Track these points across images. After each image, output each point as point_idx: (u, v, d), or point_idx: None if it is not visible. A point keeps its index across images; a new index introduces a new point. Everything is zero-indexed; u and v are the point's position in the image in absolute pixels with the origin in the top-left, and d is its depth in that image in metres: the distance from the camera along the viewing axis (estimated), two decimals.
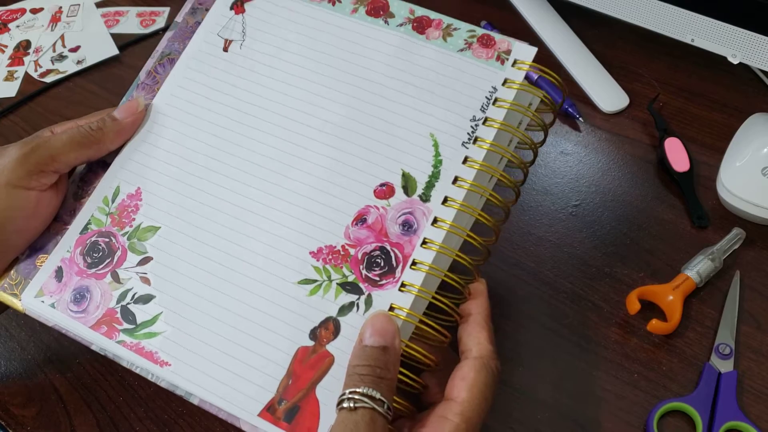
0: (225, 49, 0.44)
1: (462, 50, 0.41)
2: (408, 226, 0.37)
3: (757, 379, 0.44)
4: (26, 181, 0.39)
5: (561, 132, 0.60)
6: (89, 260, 0.40)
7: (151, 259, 0.39)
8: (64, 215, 0.42)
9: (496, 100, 0.39)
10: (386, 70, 0.41)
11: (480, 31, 0.41)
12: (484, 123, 0.38)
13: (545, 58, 0.65)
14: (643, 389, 0.44)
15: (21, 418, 0.45)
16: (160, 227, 0.40)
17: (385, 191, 0.38)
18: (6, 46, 0.72)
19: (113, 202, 0.41)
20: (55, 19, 0.75)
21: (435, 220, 0.37)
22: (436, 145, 0.39)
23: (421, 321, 0.36)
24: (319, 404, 0.35)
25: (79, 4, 0.77)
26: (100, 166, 0.42)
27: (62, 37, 0.73)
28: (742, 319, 0.46)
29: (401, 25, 0.42)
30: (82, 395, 0.45)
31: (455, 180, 0.38)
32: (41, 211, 0.40)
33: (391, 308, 0.36)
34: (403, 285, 0.36)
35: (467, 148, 0.38)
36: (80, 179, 0.43)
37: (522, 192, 0.53)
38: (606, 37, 0.66)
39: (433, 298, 0.37)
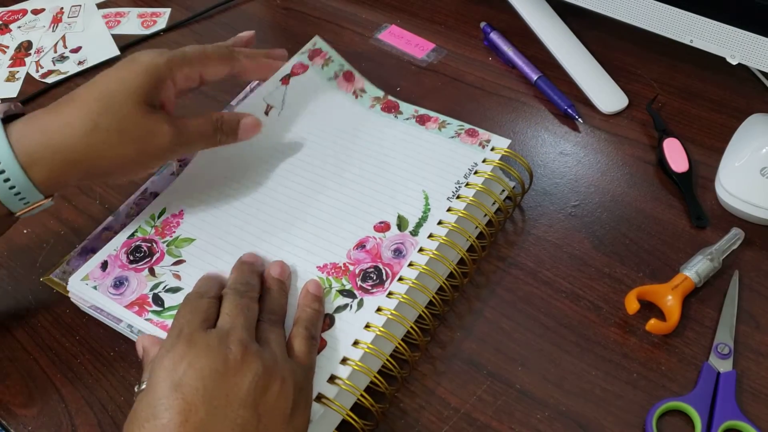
0: (266, 113, 0.55)
1: (452, 137, 0.53)
2: (399, 252, 0.47)
3: (756, 378, 0.44)
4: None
5: (560, 133, 0.60)
6: (131, 258, 0.48)
7: (184, 261, 0.48)
8: (116, 227, 0.51)
9: (476, 171, 0.50)
10: (393, 146, 0.53)
11: (467, 126, 0.53)
12: (466, 186, 0.50)
13: (545, 59, 0.65)
14: (642, 389, 0.44)
15: (22, 418, 0.45)
16: (195, 239, 0.49)
17: (382, 227, 0.48)
18: (7, 47, 0.73)
19: (159, 218, 0.50)
20: (56, 20, 0.75)
21: (421, 249, 0.46)
22: (426, 198, 0.49)
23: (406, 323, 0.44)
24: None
25: (80, 5, 0.77)
26: (153, 196, 0.52)
27: (63, 38, 0.73)
28: (740, 319, 0.47)
29: (407, 119, 0.55)
30: (83, 395, 0.45)
31: (440, 222, 0.48)
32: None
33: (379, 309, 0.44)
34: (390, 293, 0.44)
35: (451, 201, 0.49)
36: (134, 203, 0.52)
37: (518, 200, 0.54)
38: (605, 38, 0.67)
39: (417, 308, 0.45)
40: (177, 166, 0.54)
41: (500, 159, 0.51)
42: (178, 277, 0.47)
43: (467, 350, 0.46)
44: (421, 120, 0.55)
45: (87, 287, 0.46)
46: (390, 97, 0.57)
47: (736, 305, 0.47)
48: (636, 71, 0.64)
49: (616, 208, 0.54)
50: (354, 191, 0.51)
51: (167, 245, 0.48)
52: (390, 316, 0.43)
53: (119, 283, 0.46)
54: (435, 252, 0.46)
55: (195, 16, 0.74)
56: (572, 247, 0.51)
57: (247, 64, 0.50)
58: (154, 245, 0.49)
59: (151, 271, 0.47)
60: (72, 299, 0.48)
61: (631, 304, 0.46)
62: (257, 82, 0.59)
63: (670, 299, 0.46)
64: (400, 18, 0.72)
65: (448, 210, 0.48)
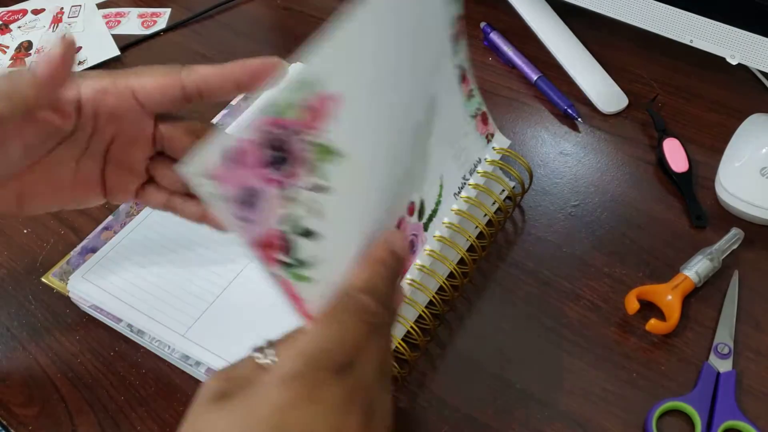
0: None
1: (473, 117, 0.48)
2: (412, 246, 0.44)
3: (756, 378, 0.44)
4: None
5: (560, 133, 0.60)
6: (270, 157, 0.31)
7: (332, 190, 0.30)
8: (116, 226, 0.50)
9: (479, 171, 0.49)
10: (441, 96, 0.40)
11: (484, 107, 0.49)
12: (468, 184, 0.49)
13: (545, 59, 0.65)
14: (642, 388, 0.44)
15: (22, 418, 0.45)
16: (349, 155, 0.29)
17: (411, 208, 0.41)
18: (7, 47, 0.73)
19: (316, 88, 0.29)
20: (56, 20, 0.75)
21: (425, 249, 0.45)
22: (441, 188, 0.45)
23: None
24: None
25: (80, 5, 0.77)
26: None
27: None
28: (740, 319, 0.47)
29: (457, 65, 0.42)
30: (84, 395, 0.45)
31: (443, 222, 0.47)
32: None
33: None
34: None
35: (456, 199, 0.48)
36: (135, 202, 0.50)
37: (518, 200, 0.53)
38: (605, 38, 0.67)
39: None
40: None
41: (500, 159, 0.51)
42: (320, 214, 0.28)
43: (467, 350, 0.46)
44: (463, 76, 0.44)
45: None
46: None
47: (735, 305, 0.47)
48: (636, 71, 0.64)
49: (616, 208, 0.54)
50: (404, 158, 0.36)
51: (315, 152, 0.28)
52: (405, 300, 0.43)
53: (249, 200, 0.26)
54: (437, 252, 0.46)
55: (195, 16, 0.74)
56: (572, 247, 0.51)
57: (205, 76, 0.37)
58: (300, 144, 0.27)
59: (285, 193, 0.27)
60: (72, 299, 0.48)
61: (631, 304, 0.46)
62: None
63: (670, 299, 0.46)
64: None
65: (452, 209, 0.48)
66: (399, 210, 0.37)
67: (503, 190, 0.52)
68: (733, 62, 0.55)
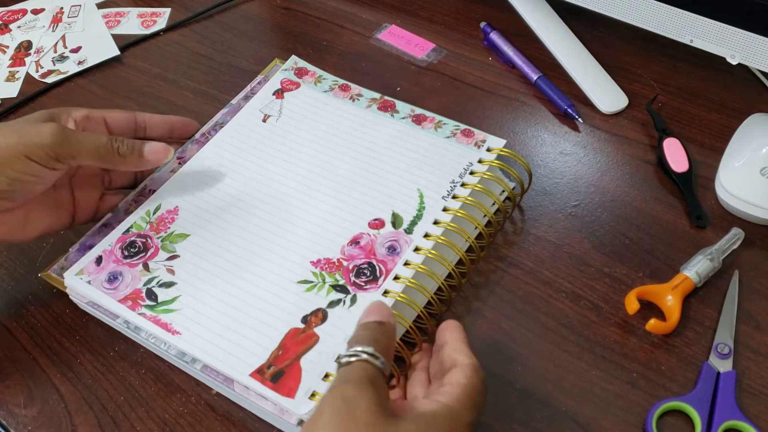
0: (264, 121, 0.56)
1: (448, 137, 0.53)
2: (393, 249, 0.47)
3: (756, 378, 0.44)
4: (44, 161, 0.44)
5: (560, 132, 0.60)
6: (126, 253, 0.48)
7: (179, 256, 0.48)
8: (114, 223, 0.51)
9: (472, 171, 0.50)
10: (387, 144, 0.53)
11: (462, 126, 0.53)
12: (461, 185, 0.50)
13: (545, 59, 0.65)
14: (642, 389, 0.44)
15: (22, 418, 0.45)
16: (189, 235, 0.49)
17: (377, 224, 0.48)
18: (7, 47, 0.73)
19: (154, 214, 0.50)
20: (56, 20, 0.75)
21: (417, 248, 0.46)
22: (421, 197, 0.49)
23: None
24: (301, 371, 0.42)
25: (80, 5, 0.77)
26: (151, 193, 0.52)
27: (63, 38, 0.73)
28: (740, 319, 0.47)
29: (403, 118, 0.55)
30: (83, 395, 0.45)
31: (435, 221, 0.48)
32: (46, 180, 0.46)
33: None
34: (386, 291, 0.45)
35: (446, 201, 0.49)
36: (133, 200, 0.52)
37: (517, 200, 0.53)
38: (605, 38, 0.67)
39: (415, 307, 0.44)
40: (177, 163, 0.54)
41: (499, 159, 0.51)
42: (171, 271, 0.47)
43: None
44: (417, 119, 0.55)
45: (82, 282, 0.47)
46: (386, 97, 0.57)
47: (736, 305, 0.47)
48: (636, 71, 0.64)
49: (616, 208, 0.54)
50: (348, 188, 0.51)
51: (162, 240, 0.49)
52: None
53: (113, 278, 0.47)
54: (431, 251, 0.46)
55: (195, 16, 0.74)
56: (572, 247, 0.51)
57: (151, 116, 0.53)
58: (149, 240, 0.49)
59: (145, 266, 0.47)
60: (70, 296, 0.48)
61: (631, 304, 0.46)
62: (258, 81, 0.60)
63: (670, 299, 0.46)
64: (400, 18, 0.72)
65: (444, 209, 0.48)
66: (339, 234, 0.48)
67: (502, 191, 0.52)
68: (734, 62, 0.55)
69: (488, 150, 0.52)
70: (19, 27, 0.75)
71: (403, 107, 0.56)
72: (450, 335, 0.40)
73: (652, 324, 0.45)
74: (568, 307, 0.48)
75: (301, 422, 0.41)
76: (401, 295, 0.44)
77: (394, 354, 0.43)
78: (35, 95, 0.67)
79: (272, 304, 0.45)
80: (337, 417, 0.33)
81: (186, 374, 0.46)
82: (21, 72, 0.69)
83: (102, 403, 0.45)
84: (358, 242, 0.47)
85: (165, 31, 0.73)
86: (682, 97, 0.62)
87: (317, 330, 0.43)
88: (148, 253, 0.48)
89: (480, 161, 0.51)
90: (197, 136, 0.56)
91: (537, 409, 0.43)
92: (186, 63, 0.69)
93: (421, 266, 0.45)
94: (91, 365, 0.47)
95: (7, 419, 0.45)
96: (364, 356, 0.35)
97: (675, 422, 0.42)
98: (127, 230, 0.49)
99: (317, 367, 0.42)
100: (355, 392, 0.34)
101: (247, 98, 0.59)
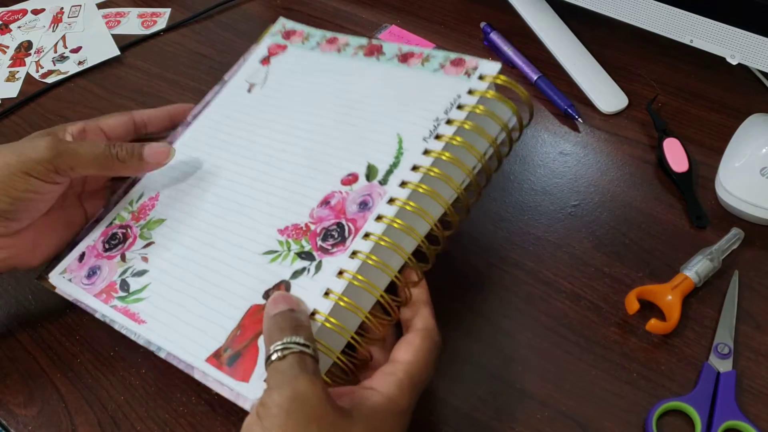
0: (249, 91, 0.52)
1: (436, 70, 0.45)
2: (364, 205, 0.41)
3: (756, 378, 0.44)
4: (43, 176, 0.44)
5: (560, 132, 0.60)
6: (107, 246, 0.47)
7: (153, 243, 0.46)
8: (103, 217, 0.49)
9: (460, 105, 0.42)
10: (368, 91, 0.47)
11: (453, 55, 0.45)
12: (447, 123, 0.42)
13: (545, 59, 0.65)
14: (642, 388, 0.44)
15: (22, 418, 0.45)
16: (165, 219, 0.47)
17: (350, 179, 0.43)
18: (7, 47, 0.73)
19: (137, 202, 0.49)
20: (56, 20, 0.75)
21: (391, 199, 0.40)
22: (400, 142, 0.42)
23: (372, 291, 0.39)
24: (258, 352, 0.38)
25: (80, 5, 0.77)
26: (137, 180, 0.51)
27: (63, 38, 0.73)
28: (740, 319, 0.47)
29: (390, 59, 0.48)
30: (84, 395, 0.45)
31: (414, 168, 0.41)
32: (48, 197, 0.46)
33: (340, 272, 0.39)
34: (353, 252, 0.39)
35: (427, 143, 0.41)
36: (123, 192, 0.51)
37: (521, 192, 0.53)
38: (605, 38, 0.67)
39: (386, 270, 0.39)
40: None
41: (491, 89, 0.42)
42: (145, 259, 0.45)
43: (467, 350, 0.46)
44: (404, 58, 0.47)
45: (64, 280, 0.46)
46: (374, 41, 0.50)
47: (735, 305, 0.47)
48: (636, 71, 0.64)
49: (616, 208, 0.54)
50: (323, 145, 0.45)
51: (140, 229, 0.47)
52: (354, 281, 0.38)
53: (92, 273, 0.46)
54: (407, 202, 0.39)
55: (195, 16, 0.74)
56: (572, 247, 0.51)
57: (149, 112, 0.53)
58: (129, 230, 0.47)
59: (123, 257, 0.46)
60: (61, 295, 0.48)
61: (631, 304, 0.46)
62: (250, 51, 0.56)
63: (670, 299, 0.46)
64: (400, 18, 0.72)
65: (425, 152, 0.41)
66: (309, 194, 0.43)
67: (500, 130, 0.43)
68: (733, 62, 0.55)
69: (480, 78, 0.43)
70: (19, 27, 0.75)
71: (390, 48, 0.49)
72: (416, 291, 0.40)
73: (652, 324, 0.45)
74: (568, 307, 0.48)
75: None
76: (371, 256, 0.38)
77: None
78: (35, 95, 0.67)
79: (235, 281, 0.42)
80: (293, 418, 0.32)
81: (186, 374, 0.46)
82: (21, 72, 0.69)
83: (102, 402, 0.45)
84: (329, 202, 0.42)
85: (165, 31, 0.73)
86: (682, 97, 0.62)
87: None
88: (126, 244, 0.47)
89: (470, 92, 0.42)
90: (188, 118, 0.54)
91: (537, 409, 0.43)
92: (186, 63, 0.69)
93: (396, 219, 0.39)
94: (91, 365, 0.47)
95: (7, 419, 0.45)
96: (297, 348, 0.34)
97: (675, 422, 0.42)
98: (111, 223, 0.48)
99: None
100: (306, 388, 0.33)
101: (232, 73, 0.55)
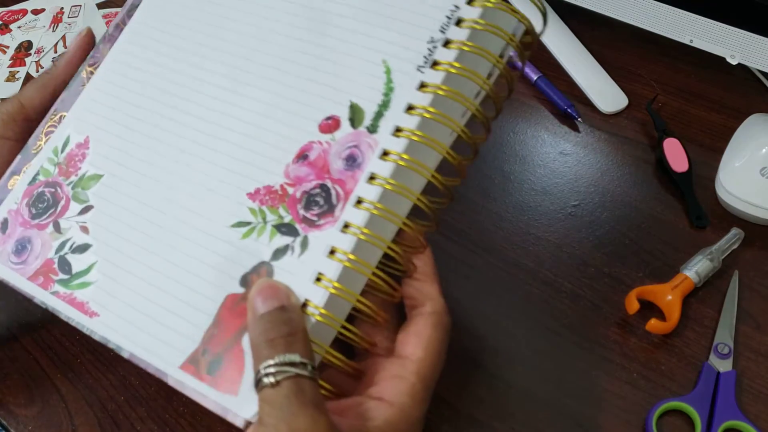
0: None
1: None
2: (352, 160, 0.33)
3: (756, 378, 0.44)
4: (1, 131, 0.40)
5: (560, 132, 0.60)
6: (34, 211, 0.39)
7: (92, 207, 0.38)
8: (22, 170, 0.41)
9: (459, 20, 0.33)
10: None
11: None
12: (444, 45, 0.33)
13: (545, 59, 0.65)
14: (642, 389, 0.44)
15: (22, 418, 0.45)
16: (102, 175, 0.38)
17: (330, 125, 0.34)
18: (7, 47, 0.73)
19: (62, 152, 0.39)
20: (56, 20, 0.75)
21: (384, 153, 0.33)
22: (388, 72, 0.34)
23: (369, 271, 0.33)
24: (243, 355, 0.32)
25: (80, 5, 0.77)
26: (61, 120, 0.41)
27: (64, 38, 0.73)
28: (740, 319, 0.47)
29: None
30: (84, 394, 0.45)
31: (409, 108, 0.33)
32: (10, 158, 0.41)
33: (332, 251, 0.32)
34: (345, 225, 0.32)
35: (423, 73, 0.33)
36: (43, 133, 0.41)
37: (521, 192, 0.53)
38: (605, 38, 0.67)
39: (382, 245, 0.33)
40: (88, 73, 0.42)
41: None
42: (85, 230, 0.37)
43: (467, 350, 0.46)
44: None
45: None
46: None
47: (735, 305, 0.47)
48: (636, 71, 0.64)
49: (616, 208, 0.54)
50: (289, 75, 0.36)
51: (73, 188, 0.38)
52: (348, 264, 0.32)
53: (21, 248, 0.38)
54: (404, 157, 0.32)
55: None
56: (572, 247, 0.51)
57: (58, 62, 0.44)
58: (59, 190, 0.38)
59: (56, 226, 0.37)
60: None
61: (631, 304, 0.46)
62: None
63: (670, 299, 0.46)
64: None
65: (421, 87, 0.33)
66: (278, 147, 0.35)
67: (505, 45, 0.35)
68: (733, 62, 0.55)
69: None
70: (19, 27, 0.75)
71: None
72: (419, 260, 0.34)
73: (652, 324, 0.45)
74: (568, 306, 0.48)
75: (248, 425, 0.31)
76: (366, 231, 0.32)
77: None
78: None
79: (202, 262, 0.34)
80: None
81: None
82: (21, 72, 0.69)
83: (102, 402, 0.45)
84: (307, 156, 0.34)
85: None
86: (682, 97, 0.62)
87: None
88: (58, 208, 0.38)
89: (471, 2, 0.34)
90: (111, 30, 0.42)
91: (537, 409, 0.43)
92: None
93: (391, 181, 0.32)
94: (91, 365, 0.47)
95: (8, 419, 0.45)
96: (292, 372, 0.29)
97: (675, 422, 0.42)
98: (34, 179, 0.39)
99: None
100: (307, 426, 0.28)
101: None
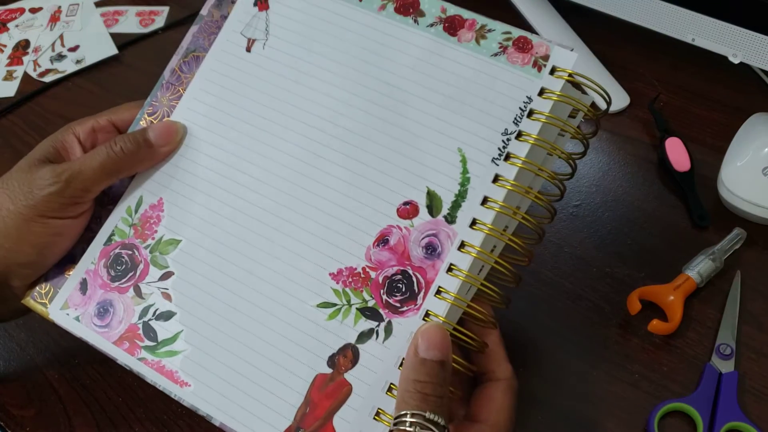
0: (248, 50, 0.41)
1: (496, 54, 0.37)
2: (432, 249, 0.35)
3: (758, 379, 0.44)
4: (61, 213, 0.38)
5: None
6: (113, 273, 0.39)
7: (173, 274, 0.39)
8: (91, 223, 0.41)
9: (531, 112, 0.35)
10: (412, 74, 0.38)
11: (516, 32, 0.37)
12: (517, 137, 0.35)
13: None
14: (643, 389, 0.44)
15: (20, 419, 0.44)
16: (181, 240, 0.39)
17: (408, 210, 0.36)
18: (5, 46, 0.72)
19: (136, 212, 0.40)
20: (54, 19, 0.75)
21: (462, 245, 0.35)
22: (464, 161, 0.35)
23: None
24: None
25: (78, 4, 0.77)
26: (129, 178, 0.42)
27: (61, 37, 0.73)
28: (742, 320, 0.46)
29: (431, 25, 0.38)
30: (81, 396, 0.45)
31: (484, 200, 0.35)
32: (74, 232, 0.40)
33: None
34: (427, 314, 0.34)
35: (497, 165, 0.35)
36: (113, 194, 0.42)
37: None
38: (607, 37, 0.66)
39: (456, 330, 0.35)
40: (147, 121, 0.43)
41: (564, 87, 0.35)
42: (167, 296, 0.38)
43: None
44: (452, 26, 0.37)
45: (69, 318, 0.39)
46: None
47: (738, 306, 0.47)
48: (638, 70, 0.64)
49: (618, 208, 0.53)
50: (365, 152, 0.37)
51: (150, 251, 0.39)
52: None
53: (103, 311, 0.38)
54: (480, 250, 0.34)
55: (193, 14, 0.74)
56: (573, 247, 0.51)
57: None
58: (136, 253, 0.39)
59: (137, 291, 0.38)
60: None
61: (633, 305, 0.46)
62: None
63: (672, 300, 0.46)
64: None
65: (495, 180, 0.35)
66: (360, 227, 0.36)
67: (566, 135, 0.37)
68: (735, 61, 0.54)
69: (552, 72, 0.35)
70: (16, 26, 0.75)
71: (431, 6, 0.38)
72: (489, 336, 0.37)
73: (654, 324, 0.45)
74: (569, 307, 0.48)
75: None
76: (445, 320, 0.34)
77: None
78: (33, 94, 0.66)
79: (291, 341, 0.36)
80: None
81: None
82: (19, 71, 0.69)
83: (100, 404, 0.45)
84: (387, 241, 0.36)
85: (163, 29, 0.73)
86: (684, 96, 0.61)
87: (348, 376, 0.35)
88: (138, 272, 0.39)
89: (542, 93, 0.35)
90: (167, 76, 0.43)
91: (538, 409, 0.43)
92: None
93: (470, 275, 0.34)
94: (89, 366, 0.47)
95: (5, 420, 0.45)
96: (433, 430, 0.31)
97: (677, 423, 0.42)
98: (109, 239, 0.40)
99: (353, 427, 0.34)
100: None
101: (220, 5, 0.43)
